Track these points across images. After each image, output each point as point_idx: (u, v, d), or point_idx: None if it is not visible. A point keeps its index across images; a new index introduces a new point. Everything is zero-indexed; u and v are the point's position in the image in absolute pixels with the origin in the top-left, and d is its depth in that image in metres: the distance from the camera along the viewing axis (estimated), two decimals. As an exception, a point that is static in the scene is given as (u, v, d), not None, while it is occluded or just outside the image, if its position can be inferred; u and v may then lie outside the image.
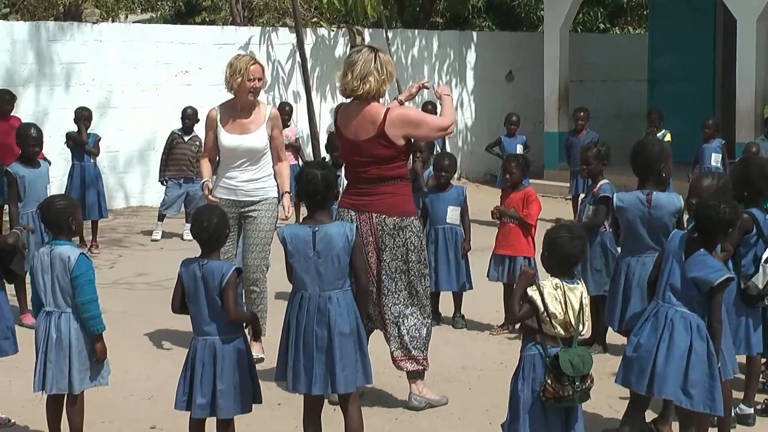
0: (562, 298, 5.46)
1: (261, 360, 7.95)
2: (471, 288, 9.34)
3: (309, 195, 6.04)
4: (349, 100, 7.14)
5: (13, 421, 6.81)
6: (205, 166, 8.32)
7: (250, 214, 8.11)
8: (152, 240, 13.54)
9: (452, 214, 9.21)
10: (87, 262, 6.11)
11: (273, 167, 8.26)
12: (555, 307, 5.44)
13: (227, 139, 8.14)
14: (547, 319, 5.44)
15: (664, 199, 6.79)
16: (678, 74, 19.63)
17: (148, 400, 7.32)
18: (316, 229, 5.97)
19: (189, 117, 13.59)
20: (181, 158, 13.49)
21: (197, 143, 13.27)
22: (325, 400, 6.39)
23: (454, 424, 6.94)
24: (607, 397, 7.11)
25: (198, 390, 5.77)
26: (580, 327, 5.50)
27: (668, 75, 19.82)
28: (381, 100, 7.07)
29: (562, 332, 5.46)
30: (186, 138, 13.43)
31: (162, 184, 13.82)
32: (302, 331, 5.96)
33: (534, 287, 5.49)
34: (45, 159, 9.70)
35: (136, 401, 7.32)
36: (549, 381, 5.40)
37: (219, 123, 8.17)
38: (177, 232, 13.73)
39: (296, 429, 6.74)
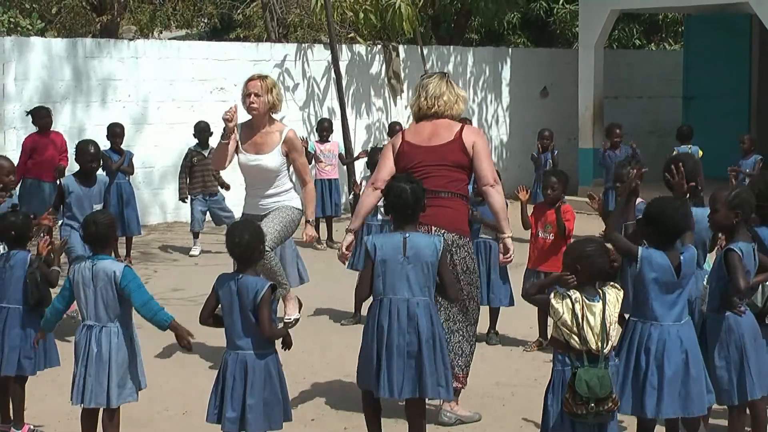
0: (580, 312, 5.46)
1: (296, 322, 8.04)
2: (512, 304, 9.31)
3: (398, 209, 6.13)
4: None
5: (48, 434, 6.88)
6: None
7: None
8: (191, 255, 13.62)
9: (486, 228, 9.19)
10: (131, 271, 6.19)
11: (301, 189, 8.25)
12: (566, 315, 5.45)
13: (243, 157, 8.23)
14: (560, 326, 5.46)
15: (700, 214, 6.73)
16: (713, 91, 19.52)
17: (183, 415, 7.35)
18: (407, 235, 6.09)
19: (204, 130, 13.63)
20: (204, 173, 13.51)
21: None
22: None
23: (488, 440, 6.93)
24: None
25: (228, 403, 5.79)
26: (602, 345, 5.48)
27: (703, 92, 19.71)
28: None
29: (578, 345, 5.45)
30: (205, 152, 13.44)
31: (183, 201, 13.90)
32: (394, 336, 6.01)
33: (557, 292, 5.55)
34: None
35: (171, 415, 7.34)
36: (567, 396, 5.43)
37: (239, 140, 8.25)
38: (212, 249, 13.76)
39: (329, 445, 6.77)
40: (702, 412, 6.01)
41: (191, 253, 13.68)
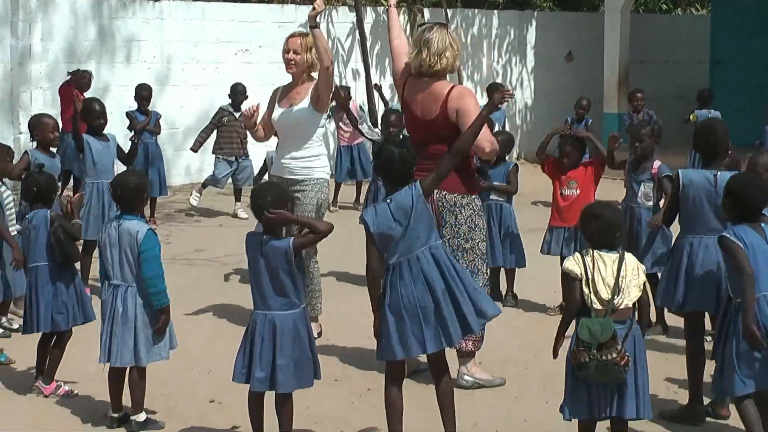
0: (591, 263, 5.50)
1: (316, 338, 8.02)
2: (524, 265, 9.34)
3: (386, 173, 6.02)
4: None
5: (76, 392, 6.93)
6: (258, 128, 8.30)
7: (296, 194, 7.98)
8: (191, 203, 13.60)
9: (496, 192, 9.22)
10: (154, 237, 6.21)
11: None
12: (576, 268, 5.52)
13: (276, 113, 8.16)
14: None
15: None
16: (740, 57, 19.39)
17: (207, 374, 7.40)
18: (389, 201, 5.88)
19: (240, 92, 13.58)
20: (232, 135, 13.49)
21: None
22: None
23: (511, 402, 6.96)
24: (664, 380, 7.10)
25: (257, 364, 5.79)
26: (615, 297, 5.49)
27: (730, 57, 19.59)
28: (448, 76, 7.10)
29: (598, 305, 5.48)
30: (236, 114, 13.36)
31: (193, 151, 13.94)
32: (405, 296, 5.79)
33: (571, 258, 5.62)
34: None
35: (195, 375, 7.40)
36: (574, 347, 5.50)
37: (276, 100, 8.22)
38: (229, 212, 13.83)
39: (353, 405, 6.81)
40: None
41: (191, 201, 13.60)
